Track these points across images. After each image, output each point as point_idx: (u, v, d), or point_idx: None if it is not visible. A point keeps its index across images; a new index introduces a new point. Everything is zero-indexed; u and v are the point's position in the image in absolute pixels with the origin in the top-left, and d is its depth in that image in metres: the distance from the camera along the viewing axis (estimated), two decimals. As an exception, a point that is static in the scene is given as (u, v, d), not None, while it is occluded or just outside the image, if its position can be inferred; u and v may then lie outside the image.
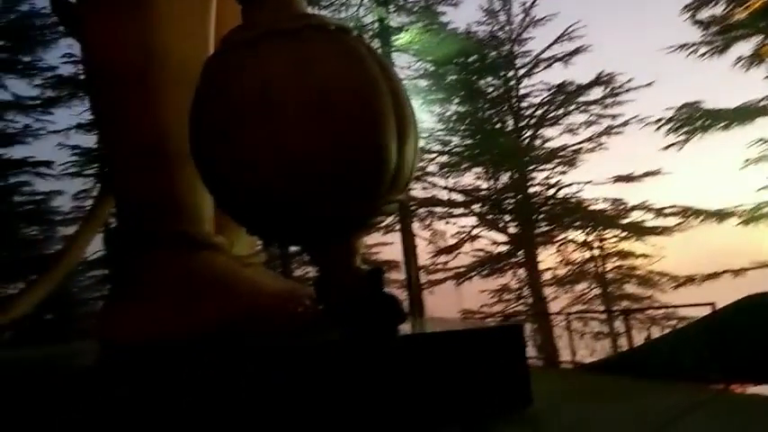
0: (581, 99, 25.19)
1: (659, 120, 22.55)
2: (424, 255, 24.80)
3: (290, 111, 5.09)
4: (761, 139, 20.57)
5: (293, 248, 19.44)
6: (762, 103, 20.45)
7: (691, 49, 21.66)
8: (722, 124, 21.29)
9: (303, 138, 5.07)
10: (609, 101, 24.88)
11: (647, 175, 24.20)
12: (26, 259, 20.44)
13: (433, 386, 5.70)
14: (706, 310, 8.72)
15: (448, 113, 26.39)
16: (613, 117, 24.89)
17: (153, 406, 4.59)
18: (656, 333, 10.23)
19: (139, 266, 6.35)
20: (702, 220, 22.86)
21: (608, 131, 24.95)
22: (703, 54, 21.56)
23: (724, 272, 21.86)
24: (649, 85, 24.27)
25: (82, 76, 18.76)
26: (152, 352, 4.98)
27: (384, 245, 25.97)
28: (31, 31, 21.81)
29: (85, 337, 12.27)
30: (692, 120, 21.78)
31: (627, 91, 24.58)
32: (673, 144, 22.37)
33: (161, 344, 5.18)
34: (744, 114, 20.75)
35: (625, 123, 24.55)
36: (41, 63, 22.20)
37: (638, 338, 10.22)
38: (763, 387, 7.98)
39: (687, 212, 23.17)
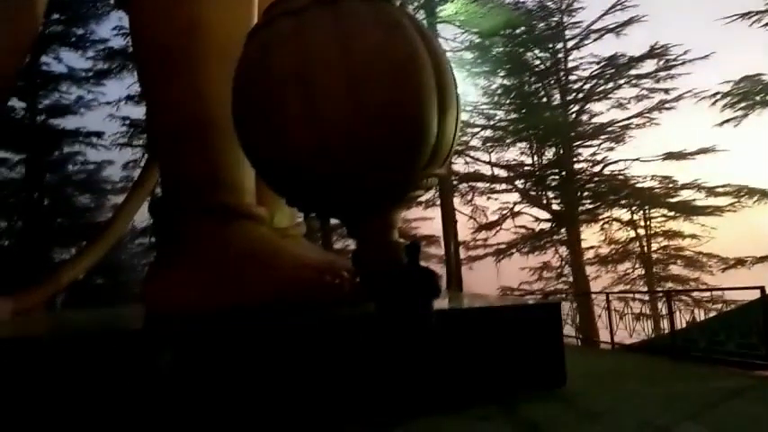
0: (632, 72, 24.21)
1: (715, 94, 21.64)
2: (464, 230, 24.74)
3: (328, 84, 5.08)
4: (826, 116, 19.48)
5: (334, 221, 19.63)
6: (829, 77, 19.29)
7: (754, 18, 20.49)
8: (784, 99, 20.25)
9: (341, 111, 5.06)
10: (662, 74, 23.83)
11: (700, 152, 23.19)
12: (80, 226, 21.35)
13: (466, 361, 5.72)
14: (755, 294, 8.37)
15: (493, 87, 25.96)
16: (666, 91, 23.84)
17: (192, 372, 4.75)
18: (700, 317, 9.91)
19: (182, 236, 6.54)
20: (757, 201, 21.97)
21: (660, 106, 23.95)
22: (767, 23, 20.39)
23: (778, 255, 21.08)
24: (706, 57, 23.03)
25: (132, 49, 19.17)
26: (193, 319, 5.14)
27: (424, 219, 26.09)
28: (84, 5, 22.35)
29: (133, 302, 12.78)
30: (751, 94, 20.72)
31: (682, 64, 23.45)
32: (729, 120, 21.41)
33: (202, 311, 5.35)
34: (809, 89, 19.66)
35: (678, 98, 23.51)
36: (93, 36, 22.89)
37: (682, 321, 9.93)
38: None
39: (741, 192, 22.27)
